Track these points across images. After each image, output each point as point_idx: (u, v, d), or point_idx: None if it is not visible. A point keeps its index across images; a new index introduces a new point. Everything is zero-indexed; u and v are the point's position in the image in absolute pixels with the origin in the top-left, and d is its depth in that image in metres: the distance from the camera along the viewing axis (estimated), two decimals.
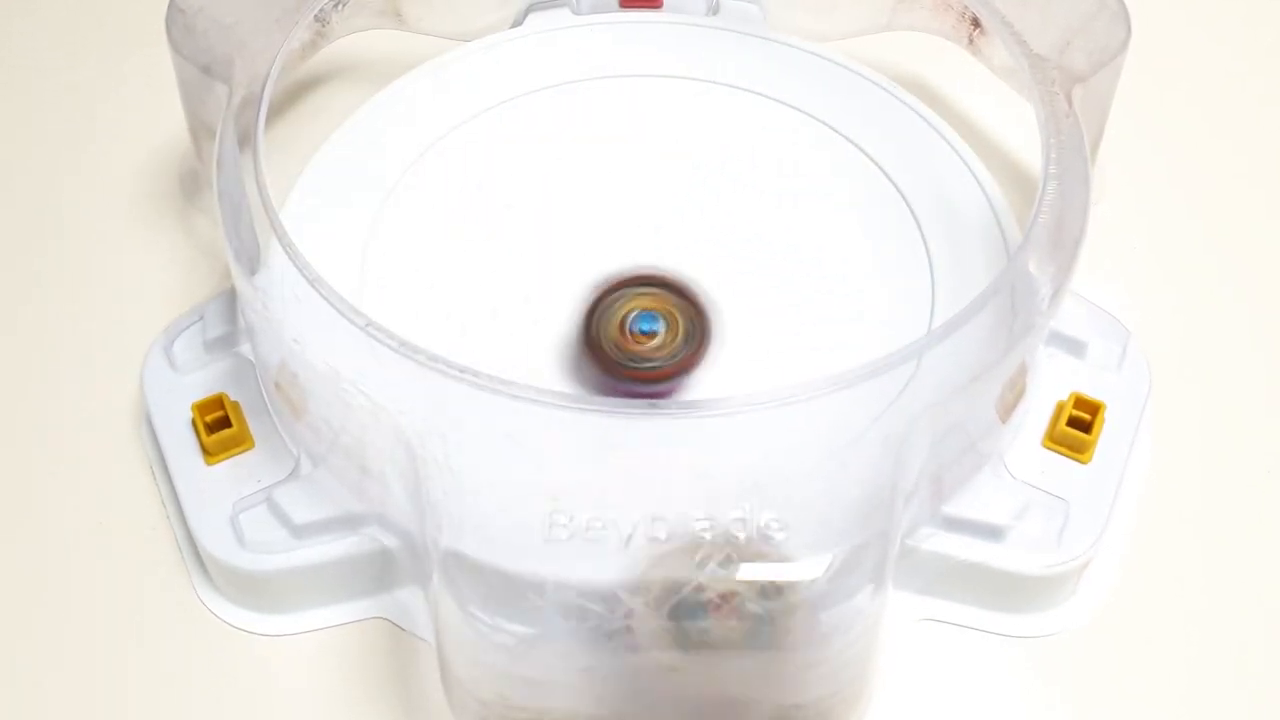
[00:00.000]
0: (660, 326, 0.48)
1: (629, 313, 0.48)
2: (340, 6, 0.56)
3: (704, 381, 0.48)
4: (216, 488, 0.47)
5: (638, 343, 0.48)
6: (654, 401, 0.41)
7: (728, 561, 0.39)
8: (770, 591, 0.39)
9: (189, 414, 0.48)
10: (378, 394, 0.42)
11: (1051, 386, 0.49)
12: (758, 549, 0.39)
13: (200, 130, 0.52)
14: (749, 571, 0.39)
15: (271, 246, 0.45)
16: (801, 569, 0.40)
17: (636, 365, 0.48)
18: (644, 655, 0.40)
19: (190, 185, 0.56)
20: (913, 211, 0.52)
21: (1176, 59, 0.61)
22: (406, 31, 0.58)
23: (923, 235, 0.52)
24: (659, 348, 0.48)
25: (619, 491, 0.41)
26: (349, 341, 0.42)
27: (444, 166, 0.54)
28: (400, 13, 0.58)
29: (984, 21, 0.53)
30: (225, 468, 0.47)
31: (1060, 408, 0.48)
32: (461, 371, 0.41)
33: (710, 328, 0.48)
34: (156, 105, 0.57)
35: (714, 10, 0.59)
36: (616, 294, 0.49)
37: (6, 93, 0.60)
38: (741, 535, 0.41)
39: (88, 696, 0.45)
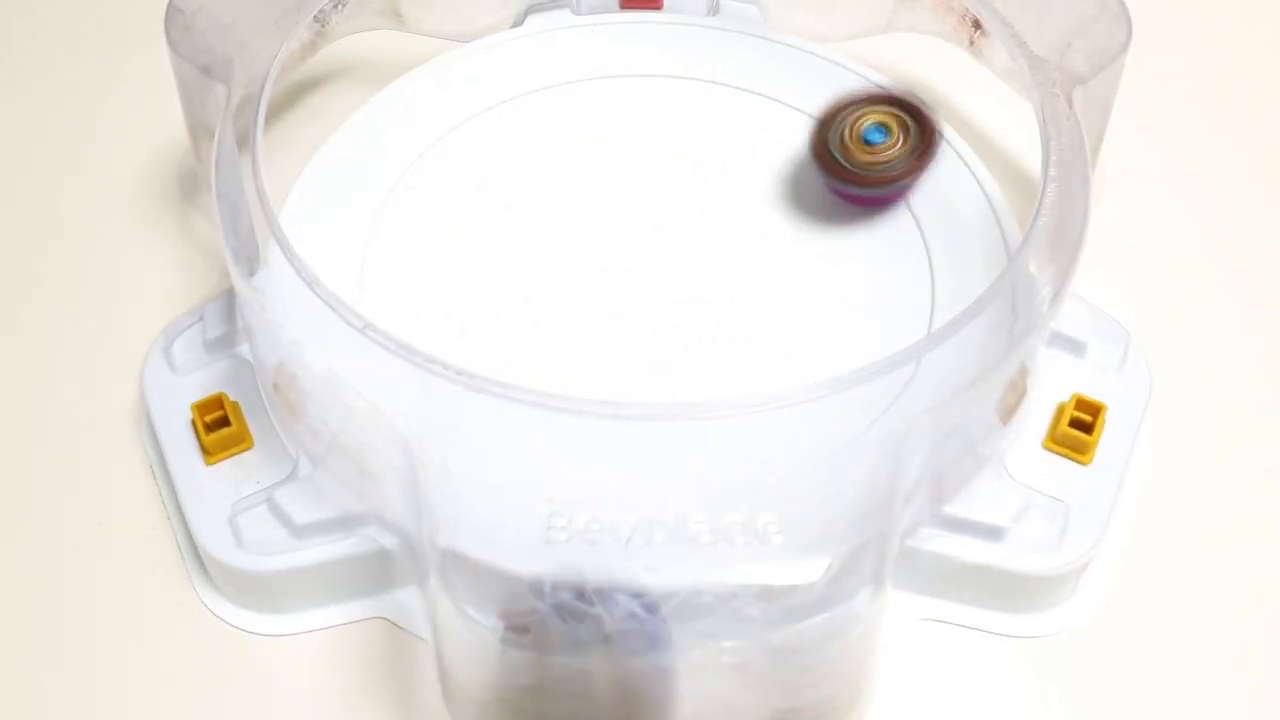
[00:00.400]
0: (886, 136, 0.50)
1: (860, 125, 0.50)
2: (340, 6, 0.56)
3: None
4: (216, 488, 0.47)
5: (869, 152, 0.49)
6: (652, 404, 0.41)
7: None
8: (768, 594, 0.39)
9: (188, 414, 0.48)
10: (375, 395, 0.42)
11: (1052, 387, 0.49)
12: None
13: (199, 130, 0.52)
14: (747, 573, 0.39)
15: (270, 247, 0.45)
16: (800, 571, 0.40)
17: (869, 172, 0.50)
18: (643, 657, 0.40)
19: (190, 185, 0.56)
20: (913, 212, 0.52)
21: (1176, 61, 0.61)
22: (406, 31, 0.58)
23: (923, 235, 0.52)
24: (889, 155, 0.49)
25: (617, 493, 0.41)
26: (347, 343, 0.42)
27: (444, 166, 0.54)
28: (400, 13, 0.58)
29: (985, 23, 0.53)
30: (225, 468, 0.47)
31: (1061, 409, 0.48)
32: (458, 373, 0.41)
33: (932, 131, 0.50)
34: (156, 105, 0.57)
35: (714, 10, 0.59)
36: (844, 111, 0.50)
37: (6, 93, 0.60)
38: (740, 538, 0.41)
39: (88, 696, 0.45)
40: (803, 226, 0.52)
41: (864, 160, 0.49)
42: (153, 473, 0.49)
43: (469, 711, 0.42)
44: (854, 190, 0.50)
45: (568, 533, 0.41)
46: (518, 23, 0.58)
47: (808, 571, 0.40)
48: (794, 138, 0.55)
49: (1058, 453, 0.48)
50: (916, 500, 0.44)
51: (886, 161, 0.50)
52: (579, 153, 0.54)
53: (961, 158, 0.54)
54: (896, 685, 0.45)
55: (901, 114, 0.50)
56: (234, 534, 0.46)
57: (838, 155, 0.49)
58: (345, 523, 0.45)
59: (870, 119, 0.50)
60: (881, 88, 0.50)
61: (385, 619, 0.46)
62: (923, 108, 0.50)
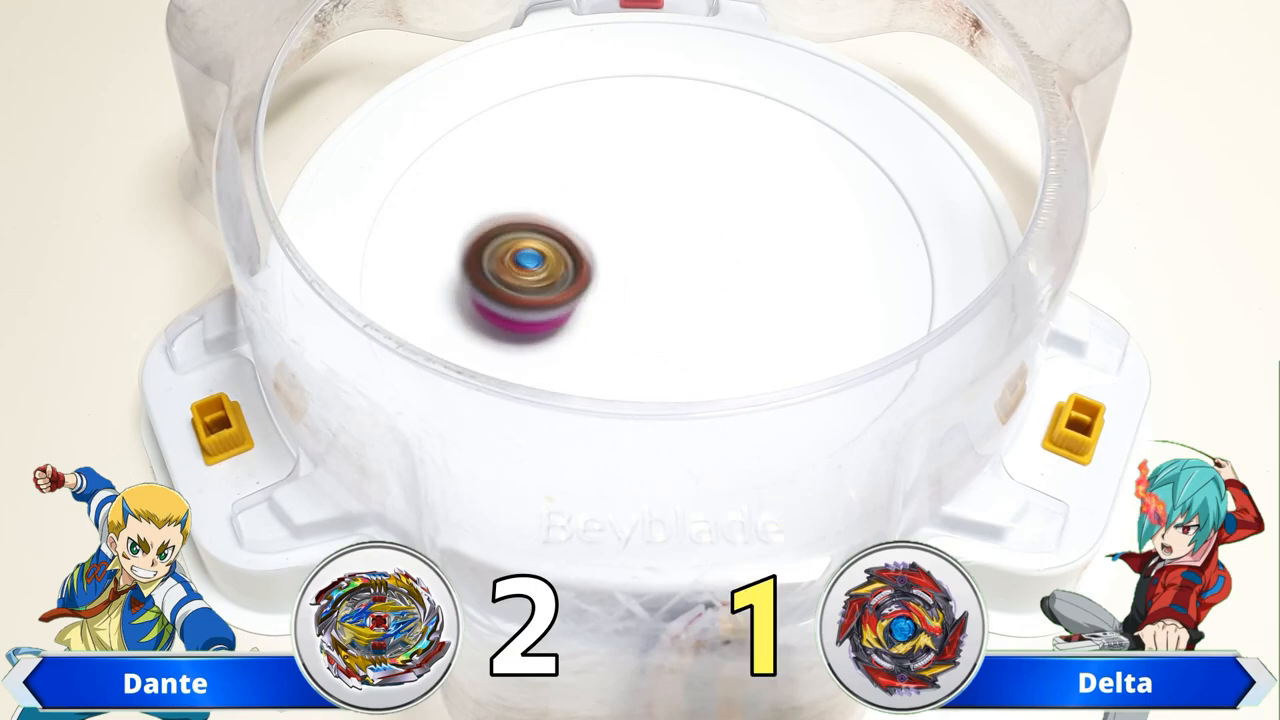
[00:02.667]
0: (540, 264, 0.49)
1: (515, 248, 0.49)
2: (340, 6, 0.56)
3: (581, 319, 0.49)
4: (216, 488, 0.47)
5: (521, 275, 0.49)
6: (652, 403, 0.41)
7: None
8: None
9: (189, 414, 0.48)
10: (376, 394, 0.42)
11: (1051, 387, 0.49)
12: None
13: (201, 130, 0.52)
14: (748, 572, 0.39)
15: (271, 247, 0.45)
16: (800, 570, 0.40)
17: (518, 294, 0.48)
18: (643, 656, 0.40)
19: (190, 185, 0.56)
20: (913, 211, 0.52)
21: (1176, 60, 0.61)
22: (406, 31, 0.58)
23: (923, 235, 0.52)
24: (539, 281, 0.49)
25: (617, 493, 0.41)
26: (347, 342, 0.42)
27: (444, 166, 0.54)
28: (400, 13, 0.58)
29: (985, 23, 0.53)
30: (225, 468, 0.47)
31: (1060, 409, 0.48)
32: (459, 372, 0.41)
33: (585, 269, 0.49)
34: (157, 105, 0.57)
35: (714, 10, 0.59)
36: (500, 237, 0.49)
37: (7, 93, 0.60)
38: (740, 537, 0.41)
39: None
40: (802, 226, 0.52)
41: (515, 282, 0.48)
42: (153, 472, 0.49)
43: (469, 711, 0.42)
44: (500, 310, 0.49)
45: (567, 532, 0.41)
46: (518, 23, 0.58)
47: (808, 570, 0.40)
48: (794, 137, 0.55)
49: (1057, 453, 0.48)
50: (916, 500, 0.44)
51: (537, 288, 0.48)
52: (579, 153, 0.54)
53: (961, 158, 0.54)
54: None
55: (558, 246, 0.49)
56: (234, 534, 0.46)
57: (489, 273, 0.48)
58: (345, 523, 0.45)
59: (526, 244, 0.49)
60: (539, 221, 0.50)
61: None
62: (577, 242, 0.49)
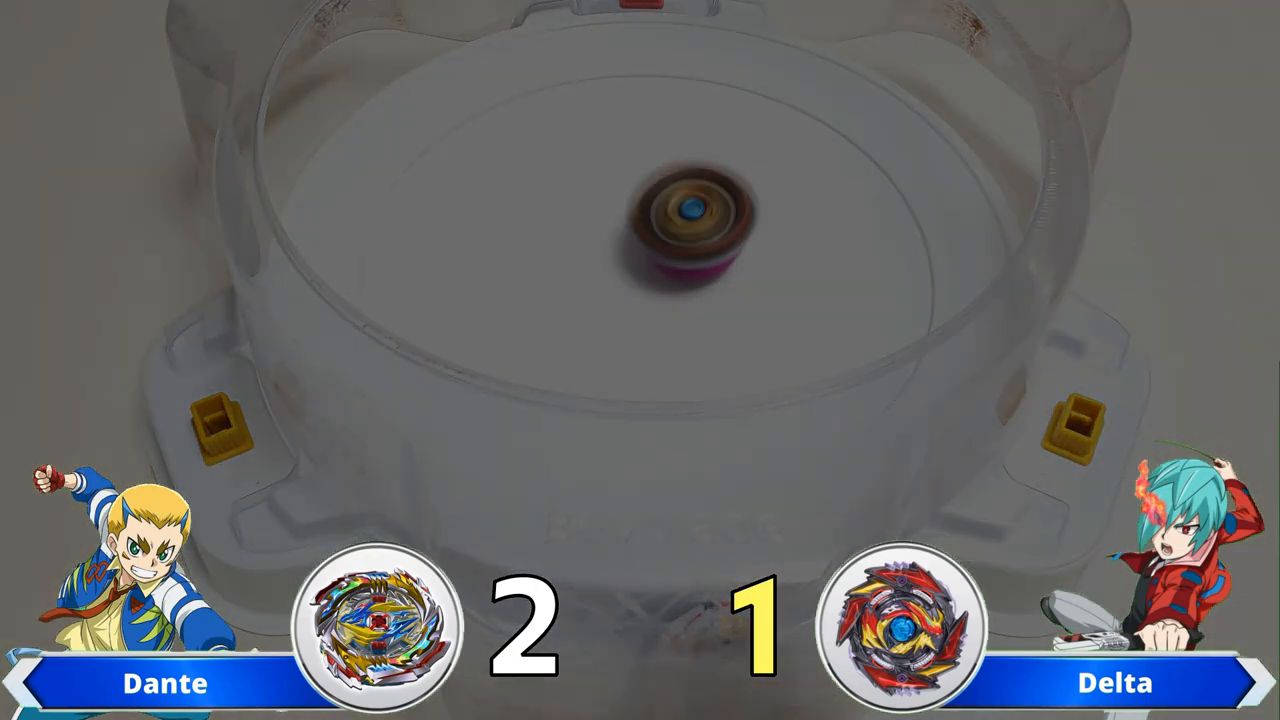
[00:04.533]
0: (703, 210, 0.50)
1: (677, 199, 0.50)
2: (340, 6, 0.56)
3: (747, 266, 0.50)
4: (216, 488, 0.47)
5: (687, 226, 0.50)
6: (652, 404, 0.41)
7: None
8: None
9: (189, 414, 0.48)
10: (376, 395, 0.42)
11: (1051, 387, 0.49)
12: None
13: (200, 130, 0.52)
14: (749, 571, 0.39)
15: (271, 247, 0.45)
16: (800, 570, 0.40)
17: (684, 245, 0.49)
18: (643, 656, 0.40)
19: (190, 185, 0.56)
20: (913, 211, 0.52)
21: (1176, 60, 0.61)
22: (406, 31, 0.58)
23: (923, 235, 0.52)
24: (704, 229, 0.50)
25: (617, 493, 0.41)
26: (347, 342, 0.42)
27: (443, 167, 0.54)
28: (400, 13, 0.58)
29: (985, 23, 0.53)
30: (225, 468, 0.47)
31: (1060, 409, 0.48)
32: (459, 372, 0.41)
33: (749, 208, 0.50)
34: (157, 105, 0.57)
35: (714, 10, 0.59)
36: (664, 186, 0.50)
37: (7, 93, 0.60)
38: (740, 538, 0.41)
39: None
40: (803, 226, 0.52)
41: (682, 234, 0.49)
42: (153, 473, 0.49)
43: (469, 710, 0.42)
44: (674, 263, 0.50)
45: (568, 532, 0.41)
46: (518, 23, 0.58)
47: (808, 570, 0.40)
48: (794, 138, 0.55)
49: (1057, 453, 0.48)
50: (916, 500, 0.44)
51: (702, 235, 0.50)
52: (579, 153, 0.54)
53: (961, 157, 0.54)
54: None
55: (716, 188, 0.50)
56: (234, 534, 0.46)
57: (657, 229, 0.49)
58: (345, 523, 0.45)
59: (686, 194, 0.50)
60: (701, 164, 0.51)
61: None
62: (738, 181, 0.50)
